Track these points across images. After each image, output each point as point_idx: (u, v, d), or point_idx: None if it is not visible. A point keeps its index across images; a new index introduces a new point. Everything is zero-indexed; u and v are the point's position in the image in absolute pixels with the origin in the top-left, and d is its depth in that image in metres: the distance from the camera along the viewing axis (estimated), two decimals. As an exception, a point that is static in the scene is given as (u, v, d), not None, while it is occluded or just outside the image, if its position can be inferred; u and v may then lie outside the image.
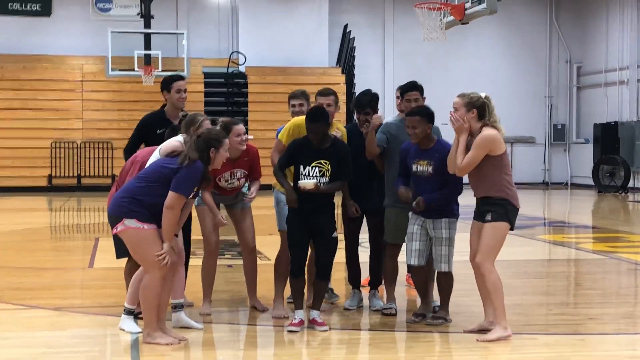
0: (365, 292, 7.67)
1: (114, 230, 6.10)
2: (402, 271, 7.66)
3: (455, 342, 6.32)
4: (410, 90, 7.16)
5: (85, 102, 24.83)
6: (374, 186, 7.23)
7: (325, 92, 7.29)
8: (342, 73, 26.24)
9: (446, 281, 6.74)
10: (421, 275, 6.82)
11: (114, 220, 6.13)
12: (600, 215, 18.92)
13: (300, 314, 6.56)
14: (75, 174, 24.43)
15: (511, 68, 28.32)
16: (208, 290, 7.31)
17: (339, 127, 7.21)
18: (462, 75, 27.26)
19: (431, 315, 6.76)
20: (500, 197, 6.26)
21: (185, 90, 7.61)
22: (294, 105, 7.50)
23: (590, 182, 26.38)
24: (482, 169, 6.26)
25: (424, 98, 7.18)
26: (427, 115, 6.67)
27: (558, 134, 29.23)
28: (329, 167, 6.55)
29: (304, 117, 7.05)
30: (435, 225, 6.65)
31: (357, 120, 7.39)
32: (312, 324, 6.53)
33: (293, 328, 6.46)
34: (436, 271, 6.80)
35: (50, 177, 24.22)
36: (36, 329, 6.55)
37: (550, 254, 12.02)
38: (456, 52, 27.79)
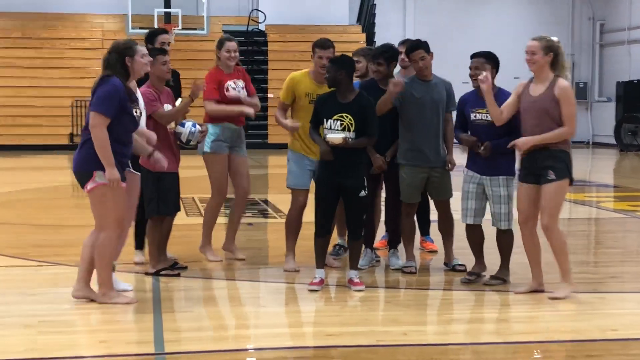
0: (381, 253, 7.72)
1: None
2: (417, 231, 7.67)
3: (475, 300, 6.34)
4: (413, 50, 7.06)
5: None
6: (390, 144, 7.20)
7: (327, 45, 7.10)
8: (363, 31, 26.04)
9: (506, 239, 6.70)
10: (476, 235, 6.79)
11: None
12: (621, 174, 18.80)
13: (320, 273, 6.58)
14: (97, 133, 24.49)
15: (533, 25, 27.92)
16: (208, 232, 7.59)
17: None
18: (483, 32, 26.99)
19: (490, 275, 6.73)
20: (560, 149, 6.16)
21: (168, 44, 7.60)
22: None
23: (612, 140, 26.17)
24: (554, 119, 6.12)
25: (431, 53, 7.10)
26: (492, 58, 6.64)
27: (580, 93, 28.94)
28: (352, 122, 6.51)
29: (299, 71, 7.22)
30: (492, 183, 6.61)
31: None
32: (349, 283, 6.54)
33: (313, 287, 6.49)
34: (496, 229, 6.74)
35: (71, 136, 24.31)
36: (60, 285, 6.61)
37: (571, 212, 11.97)
38: (478, 8, 27.49)
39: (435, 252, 8.00)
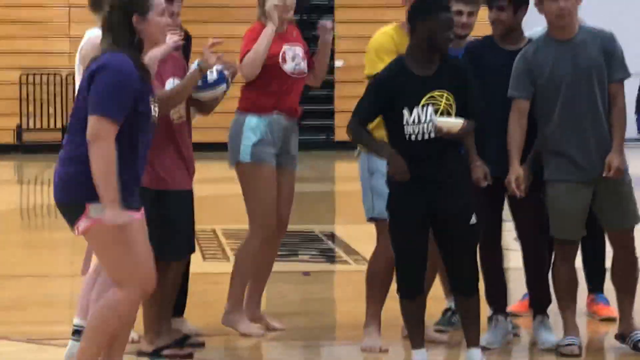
0: (522, 322, 7.75)
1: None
2: (581, 286, 7.63)
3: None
4: None
5: (74, 11, 25.08)
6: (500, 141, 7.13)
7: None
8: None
9: None
10: None
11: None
12: None
13: (421, 355, 6.63)
14: (59, 126, 24.78)
15: None
16: (241, 289, 7.58)
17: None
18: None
19: None
20: None
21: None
22: (460, 12, 7.35)
23: None
24: None
25: None
26: None
27: None
28: (451, 101, 6.52)
29: (388, 27, 7.26)
30: None
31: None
32: None
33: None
34: None
35: (19, 131, 24.66)
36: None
37: None
38: None
39: (613, 319, 7.95)
